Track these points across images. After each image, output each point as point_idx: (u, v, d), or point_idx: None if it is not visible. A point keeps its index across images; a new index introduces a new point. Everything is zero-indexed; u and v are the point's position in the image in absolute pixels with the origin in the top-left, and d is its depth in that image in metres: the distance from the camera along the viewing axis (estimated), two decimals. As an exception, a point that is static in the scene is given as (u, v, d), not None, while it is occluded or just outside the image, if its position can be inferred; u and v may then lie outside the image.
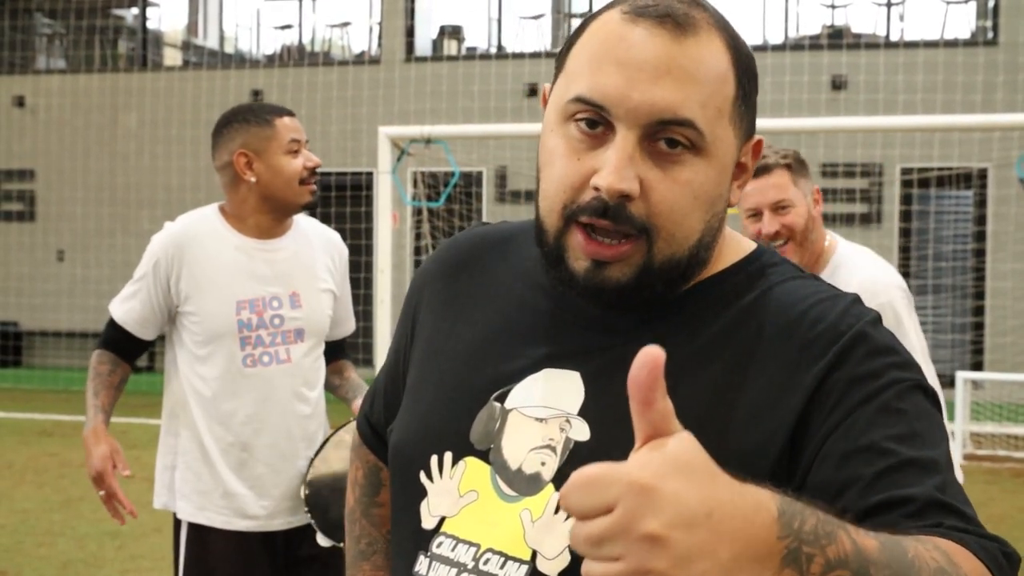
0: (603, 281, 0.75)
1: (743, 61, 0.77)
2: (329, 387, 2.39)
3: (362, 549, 1.06)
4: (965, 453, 7.15)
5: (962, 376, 7.48)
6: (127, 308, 2.20)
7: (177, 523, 2.22)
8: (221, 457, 2.16)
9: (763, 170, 2.18)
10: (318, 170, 2.24)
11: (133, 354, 2.28)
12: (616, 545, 0.51)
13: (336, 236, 2.43)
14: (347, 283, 2.39)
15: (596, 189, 0.72)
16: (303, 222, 2.34)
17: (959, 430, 7.17)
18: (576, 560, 0.73)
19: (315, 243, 2.32)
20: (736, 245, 0.84)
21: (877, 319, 0.78)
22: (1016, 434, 7.76)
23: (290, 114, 2.23)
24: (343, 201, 10.32)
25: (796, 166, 2.19)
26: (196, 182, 11.27)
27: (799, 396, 0.73)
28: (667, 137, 0.73)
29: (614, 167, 0.71)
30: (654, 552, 0.50)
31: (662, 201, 0.73)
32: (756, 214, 2.22)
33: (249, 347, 2.15)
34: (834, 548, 0.60)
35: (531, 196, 0.84)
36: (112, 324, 2.22)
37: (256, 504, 2.15)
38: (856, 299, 0.79)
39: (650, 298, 0.78)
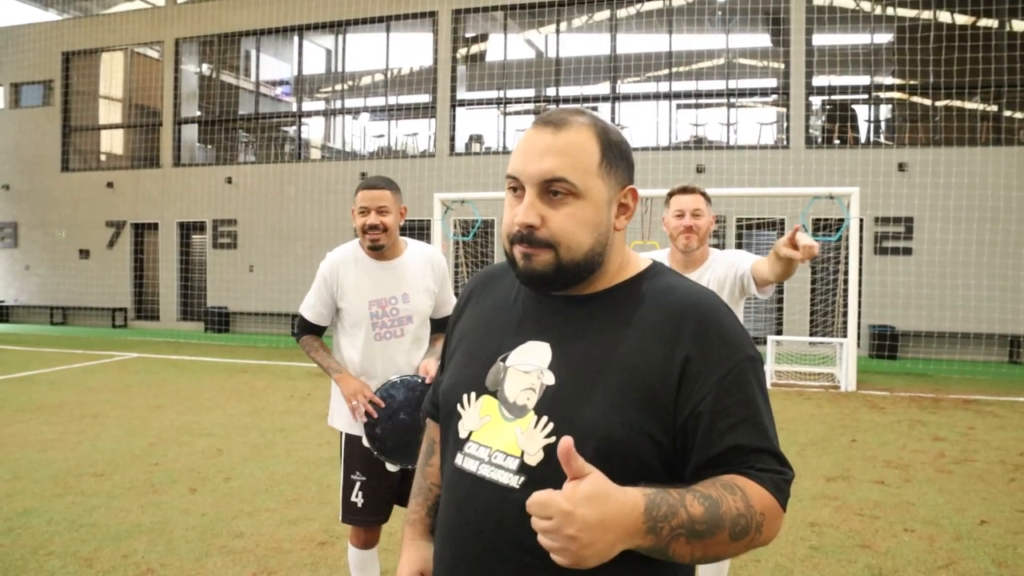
0: (532, 270, 1.06)
1: (609, 141, 1.07)
2: (433, 351, 2.75)
3: (415, 491, 1.34)
4: (772, 382, 9.38)
5: (771, 338, 10.03)
6: (311, 309, 2.71)
7: (340, 434, 2.76)
8: None
9: (691, 190, 2.79)
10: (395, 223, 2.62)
11: (320, 333, 2.74)
12: (553, 537, 0.86)
13: (435, 251, 2.79)
14: (447, 281, 2.75)
15: (518, 225, 1.03)
16: (412, 244, 2.76)
17: (768, 370, 9.42)
18: (547, 456, 1.03)
19: (419, 259, 2.72)
20: (640, 262, 1.14)
21: (726, 309, 1.07)
22: (800, 371, 9.99)
23: (372, 187, 2.62)
24: (416, 236, 13.73)
25: (706, 196, 2.80)
26: (327, 226, 14.83)
27: (681, 353, 1.02)
28: (553, 189, 1.03)
29: (523, 210, 1.03)
30: (571, 541, 0.85)
31: (556, 226, 1.03)
32: (680, 215, 2.75)
33: (377, 328, 2.64)
34: (676, 519, 0.91)
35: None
36: (303, 320, 2.73)
37: None
38: (711, 292, 1.09)
39: (566, 285, 1.08)
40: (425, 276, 2.73)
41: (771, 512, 1.01)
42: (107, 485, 4.90)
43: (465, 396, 1.15)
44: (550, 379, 1.07)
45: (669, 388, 1.02)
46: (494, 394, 1.12)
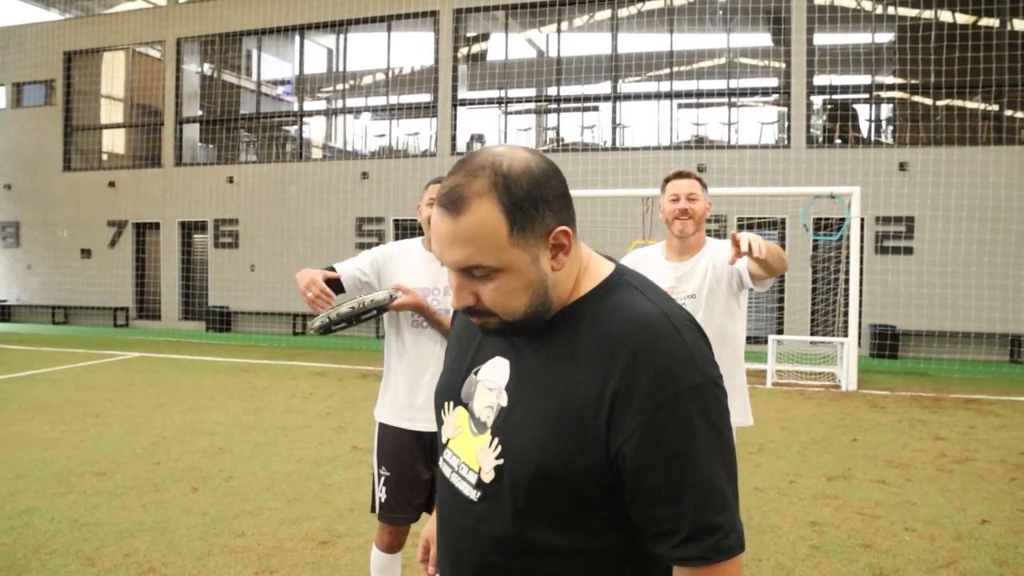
0: (488, 330, 1.10)
1: (514, 202, 0.99)
2: None
3: None
4: (773, 382, 9.45)
5: (772, 338, 9.94)
6: (346, 265, 2.75)
7: (375, 424, 2.76)
8: (399, 380, 2.66)
9: (686, 175, 2.78)
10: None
11: (334, 286, 2.67)
12: None
13: None
14: None
15: (456, 307, 1.08)
16: None
17: (769, 369, 9.57)
18: (497, 476, 1.05)
19: None
20: (596, 275, 1.10)
21: (670, 332, 1.00)
22: (801, 370, 9.99)
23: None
24: (416, 235, 13.85)
25: (702, 181, 2.78)
26: (328, 225, 14.88)
27: (611, 386, 0.98)
28: (472, 273, 1.03)
29: (455, 295, 1.06)
30: None
31: (489, 300, 1.05)
32: (676, 200, 2.74)
33: (414, 315, 2.66)
34: None
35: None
36: (332, 269, 2.72)
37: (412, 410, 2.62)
38: (660, 313, 1.03)
39: (527, 331, 1.08)
40: None
41: None
42: (109, 484, 4.91)
43: (446, 404, 1.20)
44: (504, 400, 1.10)
45: (599, 424, 1.00)
46: (466, 406, 1.15)
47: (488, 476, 1.08)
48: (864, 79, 13.25)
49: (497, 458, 1.07)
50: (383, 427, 2.73)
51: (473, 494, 1.10)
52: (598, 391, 1.00)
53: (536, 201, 1.01)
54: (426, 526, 1.43)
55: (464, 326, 1.26)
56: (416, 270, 2.69)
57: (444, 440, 1.19)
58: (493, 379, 1.13)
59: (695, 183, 2.77)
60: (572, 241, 1.06)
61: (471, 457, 1.11)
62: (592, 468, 1.01)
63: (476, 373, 1.16)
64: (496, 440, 1.08)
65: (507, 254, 1.01)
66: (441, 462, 1.19)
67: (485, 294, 1.05)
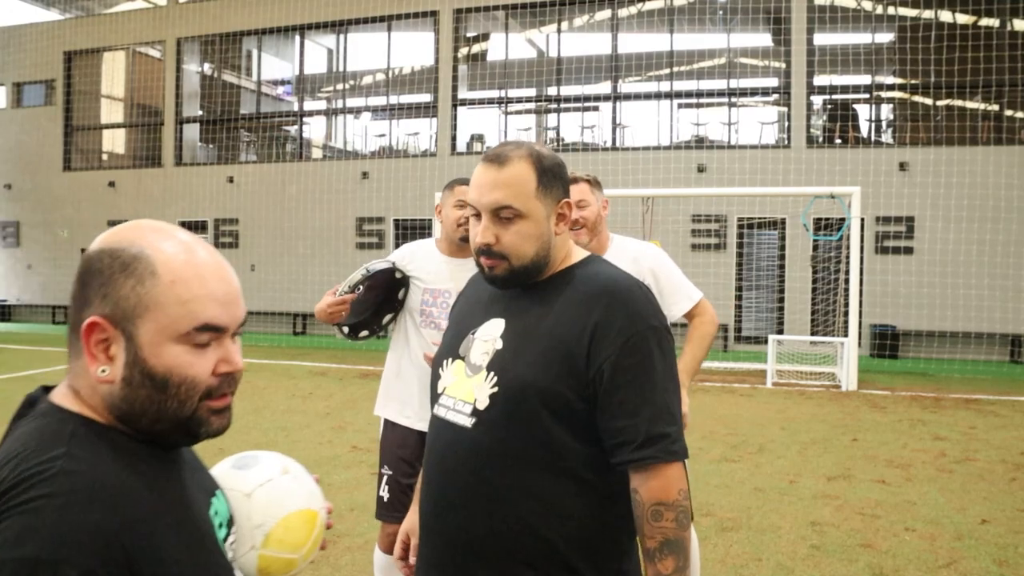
0: (494, 275, 1.35)
1: (543, 168, 1.34)
2: None
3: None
4: (773, 381, 9.50)
5: (772, 338, 10.01)
6: (376, 263, 2.72)
7: (380, 421, 2.80)
8: (411, 380, 2.68)
9: (573, 181, 2.64)
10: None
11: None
12: None
13: None
14: None
15: (479, 243, 1.34)
16: None
17: (770, 369, 9.66)
18: (492, 402, 1.30)
19: None
20: (578, 255, 1.42)
21: (638, 289, 1.33)
22: (802, 370, 10.11)
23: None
24: (416, 234, 13.43)
25: (594, 182, 2.68)
26: (328, 225, 14.88)
27: (592, 321, 1.28)
28: (502, 215, 1.32)
29: (480, 233, 1.34)
30: None
31: (507, 242, 1.32)
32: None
33: (425, 316, 2.70)
34: None
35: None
36: (366, 268, 2.67)
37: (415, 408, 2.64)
38: (627, 276, 1.35)
39: (524, 283, 1.35)
40: None
41: (677, 482, 1.26)
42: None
43: (445, 361, 1.45)
44: (499, 344, 1.36)
45: (581, 348, 1.28)
46: (463, 359, 1.41)
47: (483, 404, 1.32)
48: (864, 79, 13.26)
49: (492, 387, 1.33)
50: (389, 425, 2.74)
51: (468, 421, 1.33)
52: (581, 327, 1.29)
53: (556, 174, 1.36)
54: (405, 521, 1.60)
55: (463, 308, 1.52)
56: (430, 272, 2.71)
57: (440, 390, 1.42)
58: (489, 333, 1.39)
59: (585, 187, 2.67)
60: (570, 215, 1.39)
61: (467, 394, 1.36)
62: (574, 386, 1.28)
63: (473, 333, 1.42)
64: (491, 373, 1.34)
65: (531, 203, 1.33)
66: (435, 407, 1.42)
67: (505, 236, 1.34)
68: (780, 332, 12.21)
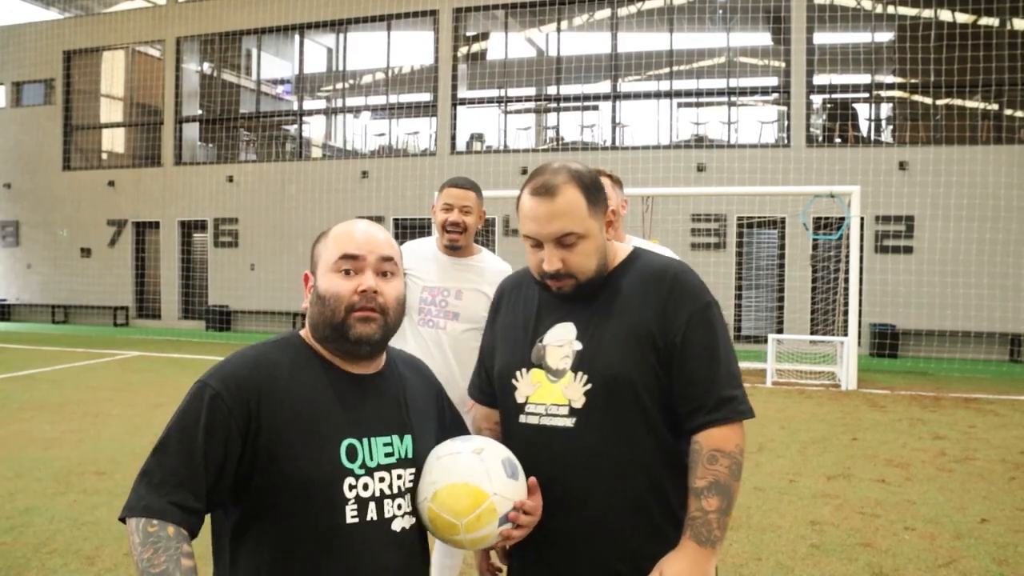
0: (563, 293, 1.47)
1: (587, 187, 1.44)
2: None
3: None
4: (772, 381, 9.55)
5: (771, 337, 10.03)
6: None
7: None
8: None
9: (459, 184, 2.72)
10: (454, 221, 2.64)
11: None
12: None
13: (505, 267, 2.76)
14: None
15: (545, 270, 1.44)
16: (487, 253, 2.83)
17: (769, 368, 9.67)
18: (589, 400, 1.42)
19: (489, 267, 2.75)
20: (623, 250, 1.56)
21: (689, 270, 1.47)
22: (801, 370, 10.13)
23: (459, 186, 2.71)
24: (416, 233, 13.38)
25: (615, 180, 2.61)
26: (328, 224, 14.31)
27: (661, 299, 1.43)
28: (565, 242, 1.42)
29: (547, 261, 1.43)
30: None
31: (573, 263, 1.43)
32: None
33: (423, 314, 2.71)
34: (717, 525, 1.35)
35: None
36: None
37: None
38: (678, 260, 1.53)
39: (590, 292, 1.47)
40: (482, 282, 2.71)
41: (736, 438, 1.39)
42: (109, 483, 4.91)
43: (517, 372, 1.51)
44: (579, 346, 1.46)
45: (656, 326, 1.42)
46: (539, 366, 1.48)
47: (579, 403, 1.43)
48: (864, 78, 13.25)
49: (584, 384, 1.44)
50: None
51: (568, 422, 1.43)
52: (653, 307, 1.43)
53: (597, 187, 1.47)
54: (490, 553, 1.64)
55: (510, 320, 1.59)
56: (429, 270, 2.74)
57: (522, 400, 1.49)
58: (561, 338, 1.48)
59: (607, 184, 2.59)
60: (615, 216, 1.51)
61: (557, 397, 1.45)
62: (654, 363, 1.42)
63: (541, 341, 1.50)
64: (580, 373, 1.44)
65: (588, 223, 1.44)
66: (522, 418, 1.48)
67: (571, 259, 1.43)
68: (780, 331, 12.28)
